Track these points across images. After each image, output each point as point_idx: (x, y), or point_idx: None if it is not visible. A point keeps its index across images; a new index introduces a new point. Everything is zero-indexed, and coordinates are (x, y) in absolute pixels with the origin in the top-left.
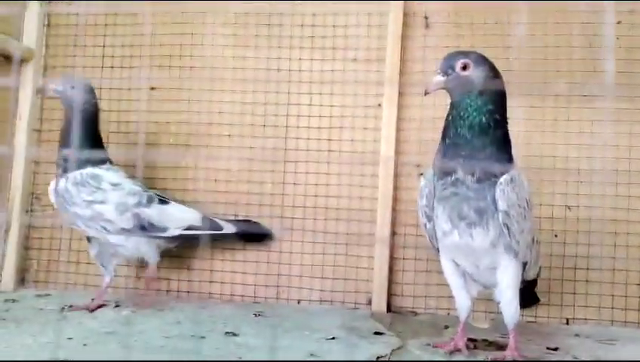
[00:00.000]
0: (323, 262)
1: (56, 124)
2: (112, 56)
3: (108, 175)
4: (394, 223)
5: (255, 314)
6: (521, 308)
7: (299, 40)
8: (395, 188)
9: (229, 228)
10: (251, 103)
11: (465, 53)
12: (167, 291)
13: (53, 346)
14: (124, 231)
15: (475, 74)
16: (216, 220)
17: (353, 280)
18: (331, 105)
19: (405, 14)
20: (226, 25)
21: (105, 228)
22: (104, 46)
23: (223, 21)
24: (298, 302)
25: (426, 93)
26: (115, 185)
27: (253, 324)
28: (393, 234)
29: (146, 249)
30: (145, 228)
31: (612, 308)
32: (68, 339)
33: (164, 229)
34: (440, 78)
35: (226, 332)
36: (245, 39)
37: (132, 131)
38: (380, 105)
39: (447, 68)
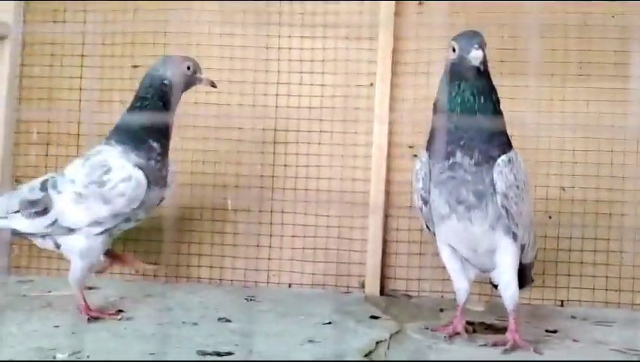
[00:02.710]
0: (314, 245)
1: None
2: (94, 33)
3: None
4: (387, 205)
5: (246, 299)
6: None
7: (288, 16)
8: (388, 169)
9: None
10: (239, 82)
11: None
12: (154, 276)
13: (38, 334)
14: None
15: (485, 54)
16: None
17: (345, 264)
18: (322, 85)
19: None
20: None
21: None
22: (85, 22)
23: None
24: (289, 286)
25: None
26: None
27: (245, 309)
28: (386, 216)
29: None
30: None
31: (606, 289)
32: (54, 327)
33: None
34: (481, 53)
35: (219, 318)
36: (232, 15)
37: (115, 111)
38: (372, 84)
39: (482, 43)
